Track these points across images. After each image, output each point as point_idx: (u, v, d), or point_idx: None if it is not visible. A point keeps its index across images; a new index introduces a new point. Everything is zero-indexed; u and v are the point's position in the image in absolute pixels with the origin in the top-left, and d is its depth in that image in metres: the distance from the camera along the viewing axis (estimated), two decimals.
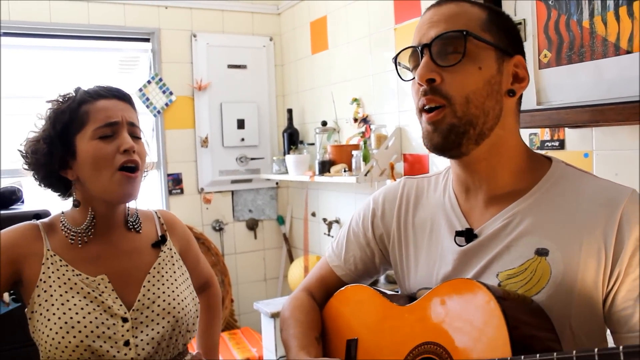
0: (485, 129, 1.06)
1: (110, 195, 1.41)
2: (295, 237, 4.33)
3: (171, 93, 3.92)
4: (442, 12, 1.09)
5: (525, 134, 2.25)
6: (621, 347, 0.74)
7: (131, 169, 1.41)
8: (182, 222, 1.71)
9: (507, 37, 1.09)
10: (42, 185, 1.49)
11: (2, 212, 2.37)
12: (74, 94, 1.45)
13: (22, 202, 2.56)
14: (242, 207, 4.25)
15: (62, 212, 1.49)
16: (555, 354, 0.82)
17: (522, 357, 0.86)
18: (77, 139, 1.41)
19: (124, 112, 1.44)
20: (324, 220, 3.73)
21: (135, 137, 1.46)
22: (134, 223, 1.54)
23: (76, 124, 1.41)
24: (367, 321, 1.23)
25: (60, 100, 1.45)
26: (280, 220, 4.38)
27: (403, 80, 1.16)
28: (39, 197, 2.25)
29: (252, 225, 4.28)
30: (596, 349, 0.76)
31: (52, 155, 1.41)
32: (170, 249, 1.58)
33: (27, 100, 3.58)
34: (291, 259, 4.27)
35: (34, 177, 1.48)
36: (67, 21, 3.62)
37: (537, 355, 0.84)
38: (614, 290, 0.99)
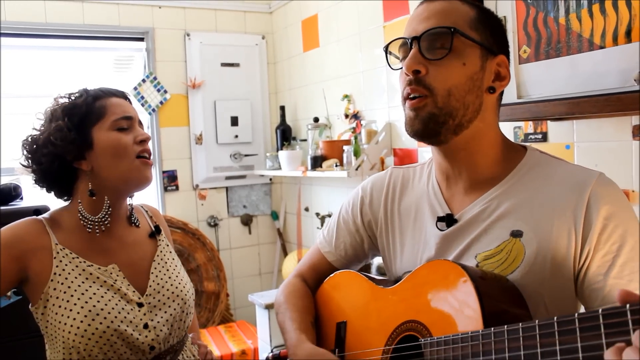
0: (464, 121, 1.13)
1: (131, 181, 1.50)
2: (289, 231, 4.39)
3: (165, 91, 3.97)
4: (433, 7, 1.14)
5: (509, 127, 2.33)
6: (576, 314, 0.79)
7: (146, 157, 1.52)
8: (162, 215, 1.80)
9: (493, 37, 1.15)
10: (46, 182, 1.51)
11: (2, 208, 2.42)
12: (84, 92, 1.52)
13: (21, 198, 2.61)
14: (236, 203, 4.31)
15: (79, 202, 1.50)
16: (520, 324, 0.88)
17: (492, 329, 0.92)
18: (94, 130, 1.47)
19: (135, 111, 1.56)
20: (317, 214, 3.80)
21: None
22: (136, 218, 1.62)
23: (93, 117, 1.48)
24: (356, 304, 1.30)
25: (70, 97, 1.51)
26: (274, 216, 4.44)
27: (392, 69, 1.21)
28: (37, 194, 2.31)
29: (247, 221, 4.34)
30: (555, 317, 0.83)
31: (68, 146, 1.45)
32: (165, 239, 1.67)
33: (23, 99, 3.62)
34: (285, 253, 4.33)
35: (35, 176, 1.51)
36: (62, 21, 3.66)
37: (505, 326, 0.90)
38: (584, 267, 1.05)
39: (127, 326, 1.41)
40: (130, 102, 1.59)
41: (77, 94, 1.52)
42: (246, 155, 4.27)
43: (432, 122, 1.12)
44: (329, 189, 3.79)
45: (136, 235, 1.60)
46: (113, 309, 1.41)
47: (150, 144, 1.57)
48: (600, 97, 1.55)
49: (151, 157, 1.54)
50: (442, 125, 1.12)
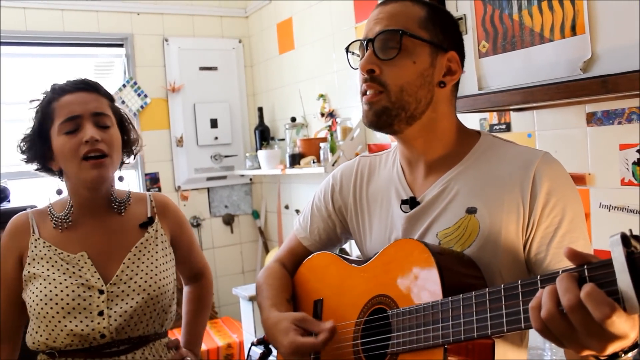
0: (416, 113, 1.22)
1: (82, 181, 1.53)
2: (270, 229, 4.47)
3: (146, 96, 4.05)
4: (386, 10, 1.24)
5: (476, 118, 2.45)
6: (519, 281, 0.90)
7: (96, 157, 1.49)
8: (176, 207, 1.78)
9: (443, 34, 1.23)
10: (42, 172, 1.62)
11: None
12: (46, 93, 1.56)
13: (9, 200, 2.68)
14: (218, 203, 4.39)
15: (50, 203, 1.63)
16: (473, 292, 0.99)
17: (450, 298, 1.03)
18: (51, 134, 1.52)
19: (87, 105, 1.51)
20: (297, 211, 3.89)
21: (103, 127, 1.52)
22: (119, 205, 1.63)
23: (48, 121, 1.52)
24: (331, 282, 1.39)
25: (40, 99, 1.57)
26: (255, 215, 4.52)
27: (352, 68, 1.31)
28: (25, 195, 2.39)
29: (229, 220, 4.42)
30: (502, 285, 0.93)
31: (36, 151, 1.55)
32: (157, 231, 1.66)
33: (4, 106, 3.65)
34: (267, 250, 4.41)
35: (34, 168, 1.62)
36: (42, 29, 3.72)
37: (460, 295, 1.01)
38: (530, 238, 1.15)
39: (80, 313, 1.48)
40: (94, 90, 1.56)
41: (43, 93, 1.57)
42: (226, 156, 4.35)
43: (384, 114, 1.21)
44: (307, 185, 3.89)
45: (123, 223, 1.63)
46: (68, 295, 1.48)
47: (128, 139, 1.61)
48: (552, 86, 1.67)
49: (105, 154, 1.50)
50: (394, 118, 1.22)
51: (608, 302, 0.74)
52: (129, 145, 1.68)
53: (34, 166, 1.60)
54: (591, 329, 0.77)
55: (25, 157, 1.58)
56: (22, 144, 1.58)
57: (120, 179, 1.67)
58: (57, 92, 1.53)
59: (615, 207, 1.95)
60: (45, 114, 1.52)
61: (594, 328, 0.77)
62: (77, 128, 1.49)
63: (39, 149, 1.54)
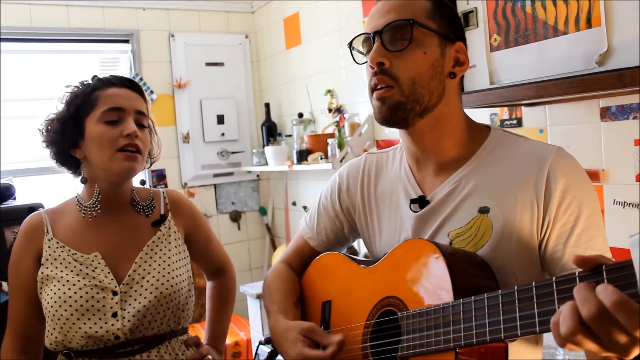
0: (429, 105, 1.19)
1: (110, 171, 1.52)
2: (278, 226, 4.46)
3: (152, 92, 4.04)
4: (391, 3, 1.21)
5: (486, 114, 2.41)
6: (533, 283, 0.87)
7: (131, 151, 1.50)
8: (189, 203, 1.77)
9: (450, 25, 1.21)
10: (57, 162, 1.60)
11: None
12: (89, 81, 1.56)
13: (14, 198, 2.67)
14: (225, 200, 4.38)
15: (77, 194, 1.60)
16: (485, 295, 0.95)
17: (461, 300, 0.99)
18: (87, 121, 1.51)
19: (132, 101, 1.54)
20: (304, 208, 3.87)
21: (141, 125, 1.55)
22: (144, 207, 1.63)
23: (87, 107, 1.51)
24: (339, 284, 1.36)
25: (79, 85, 1.57)
26: (263, 211, 4.50)
27: (357, 63, 1.28)
28: (31, 193, 2.37)
29: (236, 217, 4.41)
30: (515, 287, 0.90)
31: (64, 135, 1.53)
32: (170, 228, 1.64)
33: (7, 103, 3.63)
34: (274, 247, 4.40)
35: (50, 154, 1.60)
36: (48, 25, 3.71)
37: (472, 297, 0.98)
38: (546, 236, 1.11)
39: (93, 315, 1.46)
40: (138, 91, 1.59)
41: (85, 82, 1.57)
42: (233, 153, 4.33)
43: (399, 109, 1.18)
44: (314, 182, 3.86)
45: (139, 222, 1.61)
46: (81, 297, 1.46)
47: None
48: (566, 80, 1.63)
49: (139, 151, 1.52)
50: (409, 112, 1.18)
51: (638, 310, 0.71)
52: (151, 151, 1.69)
53: (52, 150, 1.57)
54: (615, 337, 0.74)
55: (49, 137, 1.55)
56: (52, 125, 1.56)
57: (142, 182, 1.67)
58: (104, 82, 1.55)
59: (629, 203, 1.91)
60: (86, 100, 1.52)
61: (619, 335, 0.73)
62: (118, 120, 1.51)
63: (69, 132, 1.52)
